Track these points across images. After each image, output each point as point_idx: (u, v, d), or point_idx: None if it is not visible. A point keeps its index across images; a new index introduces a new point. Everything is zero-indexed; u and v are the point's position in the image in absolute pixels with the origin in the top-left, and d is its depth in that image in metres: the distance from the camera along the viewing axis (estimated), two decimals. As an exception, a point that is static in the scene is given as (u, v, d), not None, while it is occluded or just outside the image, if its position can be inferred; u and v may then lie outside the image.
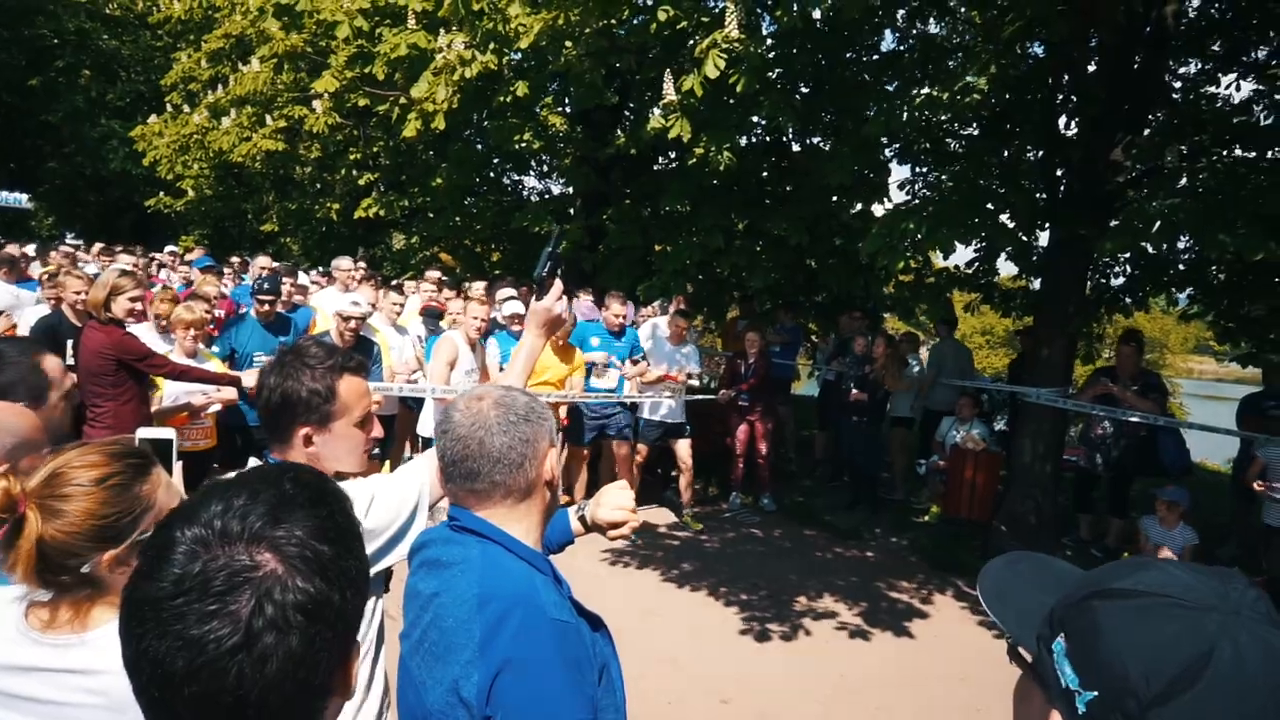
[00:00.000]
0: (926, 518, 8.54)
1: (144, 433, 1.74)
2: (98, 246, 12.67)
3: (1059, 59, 7.06)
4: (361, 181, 14.50)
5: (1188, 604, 0.71)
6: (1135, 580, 0.76)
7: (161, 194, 19.29)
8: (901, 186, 9.41)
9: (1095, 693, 0.72)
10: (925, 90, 6.40)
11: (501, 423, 1.47)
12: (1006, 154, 7.75)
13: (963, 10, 8.01)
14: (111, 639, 1.29)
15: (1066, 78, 7.19)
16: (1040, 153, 7.61)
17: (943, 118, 7.69)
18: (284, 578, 0.77)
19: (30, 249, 11.10)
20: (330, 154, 14.60)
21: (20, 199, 24.24)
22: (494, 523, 1.48)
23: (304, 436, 1.85)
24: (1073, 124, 7.42)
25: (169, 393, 5.22)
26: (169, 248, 13.72)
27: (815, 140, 9.81)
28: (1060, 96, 7.34)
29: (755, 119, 9.39)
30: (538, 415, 1.52)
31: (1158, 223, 5.42)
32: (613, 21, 7.76)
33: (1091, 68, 7.11)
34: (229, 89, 12.92)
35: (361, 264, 8.72)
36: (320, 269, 13.90)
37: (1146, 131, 7.07)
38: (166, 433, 1.75)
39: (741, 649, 5.27)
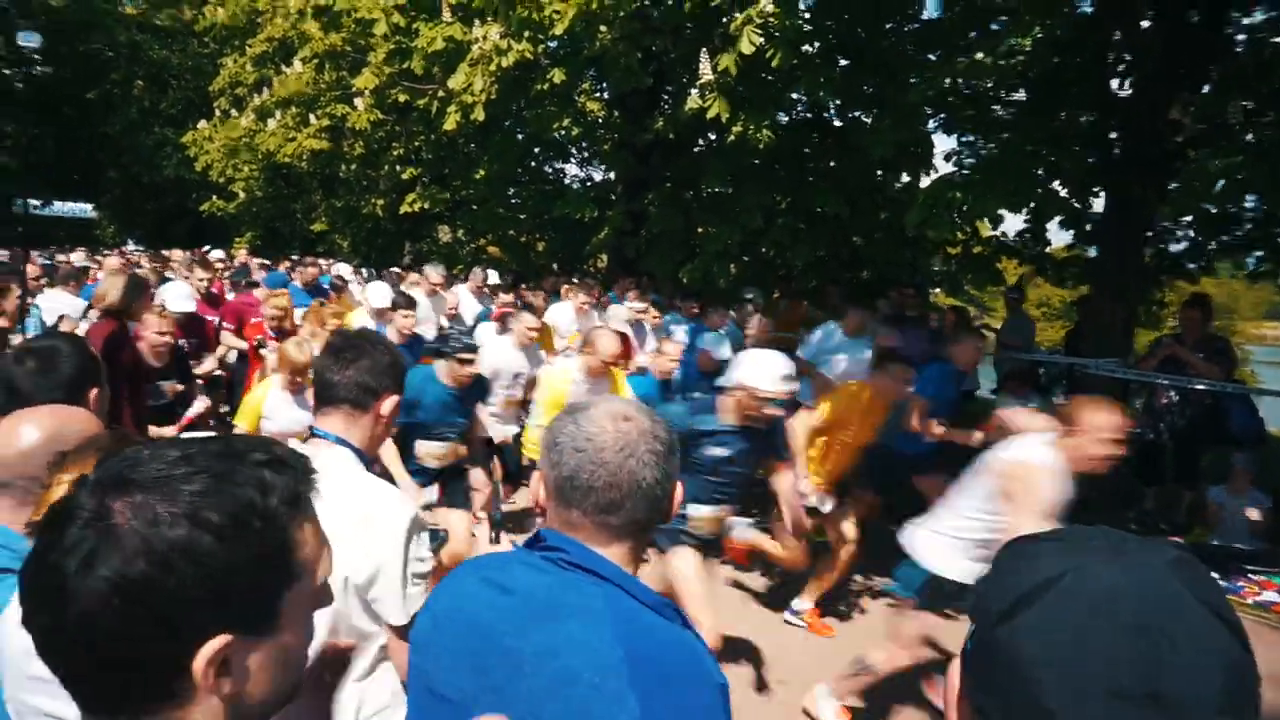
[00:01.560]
0: None
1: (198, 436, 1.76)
2: (129, 252, 13.11)
3: (1110, 16, 6.81)
4: (405, 176, 14.69)
5: (1063, 541, 0.76)
6: (1036, 536, 0.80)
7: (214, 198, 19.84)
8: (947, 158, 9.19)
9: (972, 626, 0.77)
10: (969, 57, 6.23)
11: (654, 453, 1.28)
12: (1056, 118, 7.50)
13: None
14: None
15: (1118, 35, 6.92)
16: (1092, 115, 7.35)
17: (988, 84, 7.48)
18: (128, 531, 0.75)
19: (75, 257, 11.49)
20: (373, 150, 14.82)
21: (84, 209, 25.20)
22: (616, 563, 1.27)
23: (393, 403, 1.95)
24: (1126, 84, 7.15)
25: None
26: (216, 251, 14.02)
27: (857, 114, 9.64)
28: (1111, 56, 7.07)
29: (794, 95, 9.27)
30: (677, 450, 1.35)
31: (1220, 181, 5.21)
32: (646, 3, 7.72)
33: (1145, 24, 6.84)
34: (273, 91, 13.20)
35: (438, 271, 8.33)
36: (369, 267, 14.15)
37: (1207, 88, 6.77)
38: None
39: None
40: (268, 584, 0.82)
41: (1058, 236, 8.53)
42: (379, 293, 6.44)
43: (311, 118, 13.07)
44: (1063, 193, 6.76)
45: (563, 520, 1.28)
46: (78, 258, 11.47)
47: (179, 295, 5.92)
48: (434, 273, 7.98)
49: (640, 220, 10.74)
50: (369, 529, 1.69)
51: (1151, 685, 0.64)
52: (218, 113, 16.89)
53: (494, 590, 1.25)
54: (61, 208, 23.84)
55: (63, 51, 22.69)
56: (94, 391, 2.10)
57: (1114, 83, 7.19)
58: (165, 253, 13.75)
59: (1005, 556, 0.79)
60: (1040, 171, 6.43)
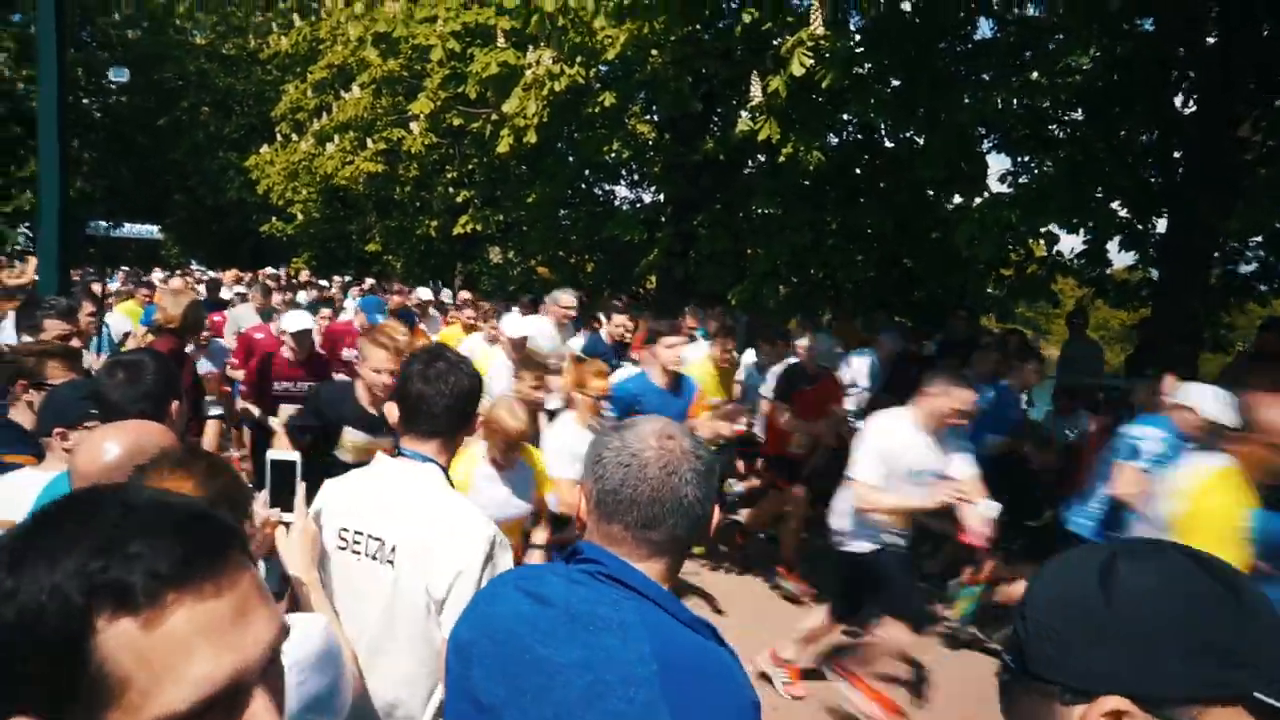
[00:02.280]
0: (1035, 522, 8.12)
1: (272, 454, 1.82)
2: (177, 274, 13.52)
3: (1172, 33, 6.67)
4: (458, 199, 14.98)
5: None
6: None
7: (274, 219, 20.46)
8: (1002, 179, 9.06)
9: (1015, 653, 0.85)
10: (1024, 75, 6.16)
11: (696, 472, 1.30)
12: (1115, 137, 7.35)
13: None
14: None
15: (1181, 51, 6.77)
16: (1153, 133, 7.19)
17: (1044, 103, 7.37)
18: None
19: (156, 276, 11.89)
20: (427, 173, 15.15)
21: (152, 231, 26.18)
22: (653, 579, 1.29)
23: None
24: (1190, 101, 6.98)
25: None
26: (267, 269, 14.38)
27: (908, 134, 9.57)
28: (1175, 73, 6.92)
29: (845, 116, 9.24)
30: (717, 470, 1.38)
31: (1291, 200, 5.05)
32: (696, 27, 7.79)
33: (1211, 40, 6.68)
34: (332, 116, 13.61)
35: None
36: (433, 285, 14.42)
37: (1278, 103, 6.58)
38: (292, 455, 1.81)
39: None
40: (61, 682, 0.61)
41: (1119, 258, 8.30)
42: (524, 326, 5.58)
43: (368, 141, 13.44)
44: (1122, 212, 6.59)
45: (603, 534, 1.30)
46: (156, 277, 11.91)
47: (297, 318, 5.54)
48: (566, 297, 6.57)
49: (690, 241, 10.78)
50: (452, 543, 1.72)
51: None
52: (279, 137, 17.46)
53: (531, 601, 1.27)
54: (130, 229, 24.79)
55: (137, 82, 23.71)
56: (175, 404, 2.18)
57: (1177, 99, 7.03)
58: (215, 274, 14.21)
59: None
60: (1099, 190, 6.29)
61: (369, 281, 13.88)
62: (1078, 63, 5.54)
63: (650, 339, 4.91)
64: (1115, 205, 6.53)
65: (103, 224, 23.16)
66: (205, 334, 6.08)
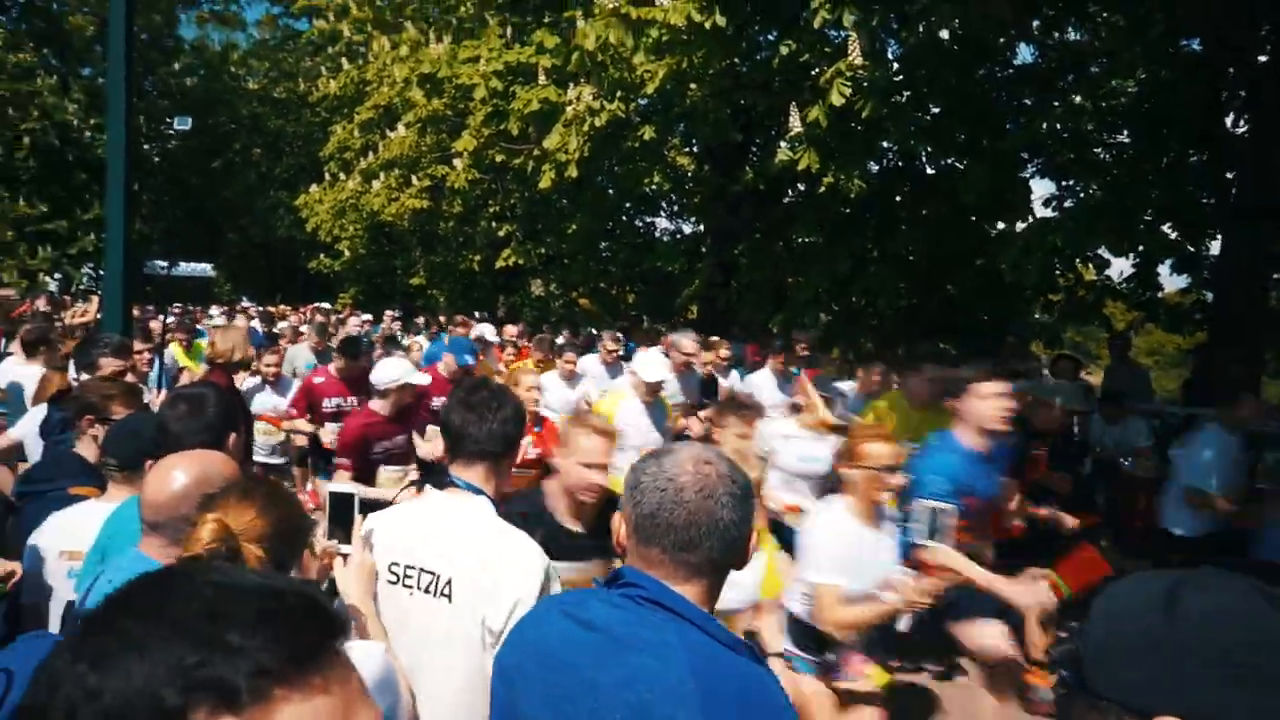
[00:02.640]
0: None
1: (331, 486, 1.86)
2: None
3: (1221, 53, 6.57)
4: (501, 233, 15.21)
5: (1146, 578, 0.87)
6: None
7: (321, 256, 20.96)
8: (1046, 203, 8.94)
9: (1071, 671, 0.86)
10: (1067, 100, 6.11)
11: (732, 495, 1.31)
12: (1163, 159, 7.23)
13: (1104, 15, 7.61)
14: None
15: (1232, 71, 6.66)
16: (1204, 154, 7.05)
17: (1088, 126, 7.28)
18: None
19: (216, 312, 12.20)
20: (471, 208, 15.42)
21: (205, 269, 27.02)
22: (692, 601, 1.30)
23: (514, 454, 2.01)
24: (1241, 120, 6.85)
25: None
26: (322, 305, 14.64)
27: (949, 160, 9.52)
28: (1225, 93, 6.80)
29: (884, 144, 9.23)
30: (754, 495, 1.39)
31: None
32: (735, 60, 7.88)
33: (1263, 58, 6.56)
34: (378, 154, 13.97)
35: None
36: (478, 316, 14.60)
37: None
38: (350, 488, 1.85)
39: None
40: None
41: (1171, 281, 8.10)
42: (654, 365, 4.82)
43: (413, 179, 13.74)
44: (1173, 235, 6.45)
45: (642, 557, 1.32)
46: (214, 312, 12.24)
47: (391, 369, 4.64)
48: (686, 342, 5.60)
49: (730, 271, 10.80)
50: (509, 574, 1.73)
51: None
52: (327, 176, 17.94)
53: (574, 625, 1.30)
54: (185, 268, 25.61)
55: (194, 126, 24.64)
56: (233, 437, 2.25)
57: (1228, 120, 6.90)
58: (272, 309, 14.57)
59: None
60: (1148, 213, 6.18)
61: (387, 314, 13.89)
62: (1122, 85, 5.47)
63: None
64: (1166, 228, 6.38)
65: (160, 264, 24.00)
66: (272, 368, 6.12)
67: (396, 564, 1.83)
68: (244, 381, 5.76)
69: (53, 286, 22.06)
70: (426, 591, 1.78)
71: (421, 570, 1.80)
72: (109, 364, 3.99)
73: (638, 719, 1.17)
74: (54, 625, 1.98)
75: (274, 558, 1.44)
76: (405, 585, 1.81)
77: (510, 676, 1.34)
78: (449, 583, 1.76)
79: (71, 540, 2.15)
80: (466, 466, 1.92)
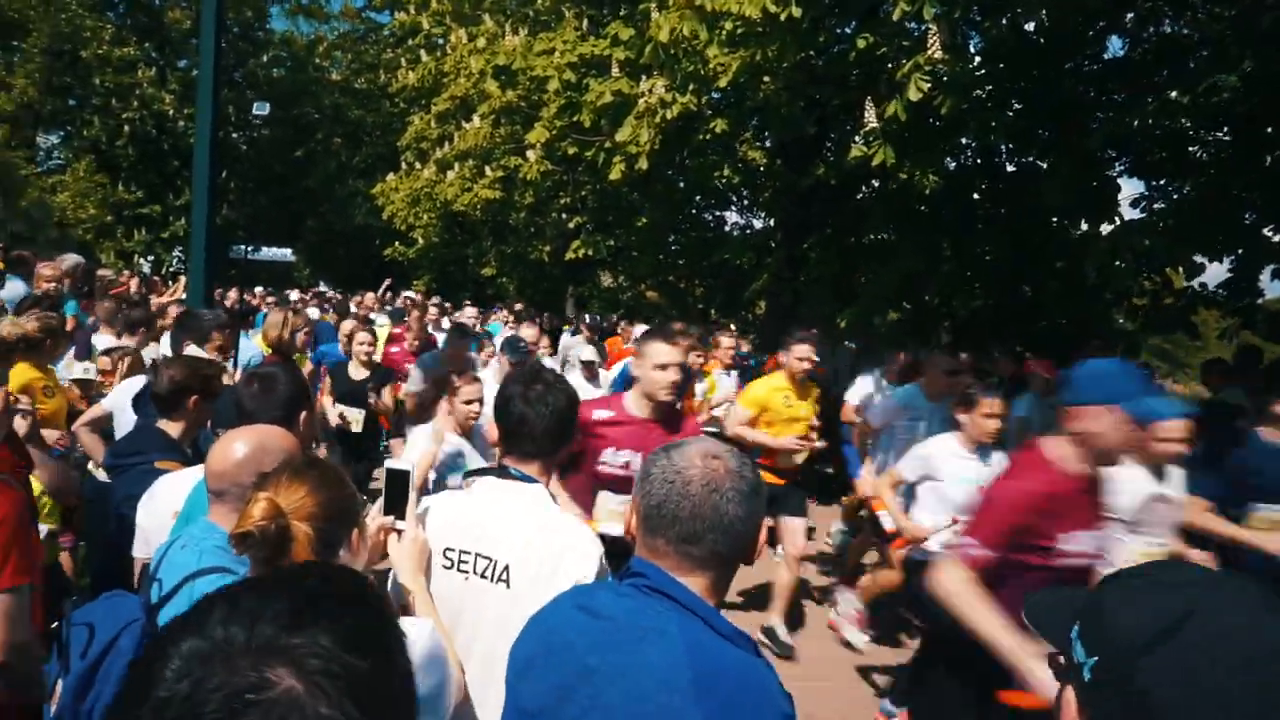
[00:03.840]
0: None
1: (389, 463, 1.90)
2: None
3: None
4: (571, 224, 15.33)
5: (1179, 582, 0.83)
6: (1141, 569, 0.89)
7: (396, 243, 21.49)
8: (1135, 204, 8.55)
9: (1096, 658, 0.83)
10: (1161, 95, 5.82)
11: (739, 491, 1.33)
12: (1267, 158, 6.83)
13: (1206, 6, 7.22)
14: None
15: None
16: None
17: (1184, 123, 6.94)
18: (303, 700, 0.58)
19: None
20: (542, 200, 15.58)
21: (286, 254, 27.99)
22: (695, 592, 1.33)
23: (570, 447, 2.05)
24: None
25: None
26: (408, 293, 14.87)
27: (1030, 158, 9.19)
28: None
29: (963, 140, 8.97)
30: (763, 492, 1.40)
31: None
32: (810, 53, 7.75)
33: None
34: (454, 145, 14.22)
35: None
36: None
37: None
38: (406, 464, 1.89)
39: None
40: None
41: (1272, 288, 7.64)
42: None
43: (486, 169, 13.94)
44: (1276, 238, 6.10)
45: (649, 548, 1.36)
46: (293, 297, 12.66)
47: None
48: (802, 348, 4.92)
49: (799, 267, 10.66)
50: (568, 560, 1.75)
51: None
52: (404, 165, 18.35)
53: (584, 615, 1.35)
54: (267, 253, 26.55)
55: (277, 115, 25.54)
56: (303, 414, 2.33)
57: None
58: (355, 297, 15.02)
59: (1107, 593, 0.87)
60: (1247, 216, 5.85)
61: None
62: (1225, 81, 5.17)
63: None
64: (1267, 231, 6.03)
65: (244, 248, 24.99)
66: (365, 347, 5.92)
67: (451, 549, 1.85)
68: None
69: (145, 268, 23.17)
70: (483, 577, 1.80)
71: (478, 555, 1.82)
72: (217, 336, 4.26)
73: (634, 704, 1.20)
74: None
75: (323, 537, 1.48)
76: (460, 570, 1.83)
77: (520, 666, 1.39)
78: (506, 568, 1.78)
79: (164, 508, 2.29)
80: (524, 462, 1.94)
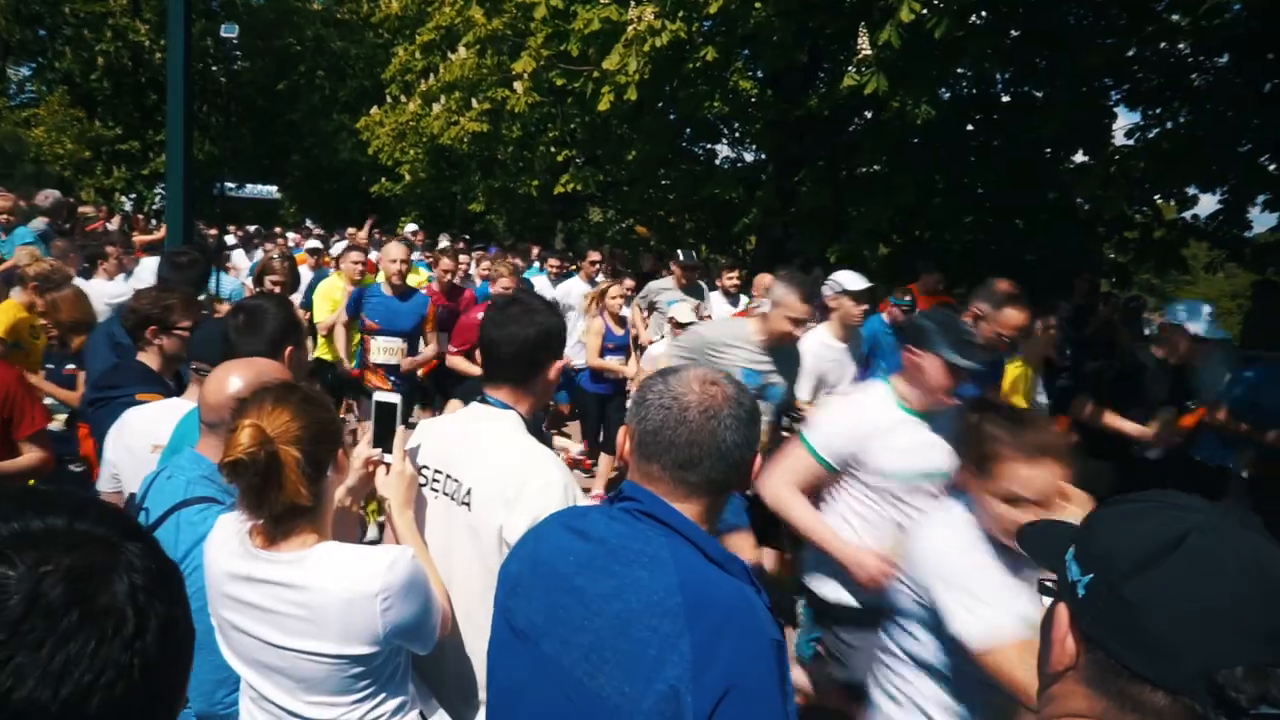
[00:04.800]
0: None
1: (377, 396, 1.90)
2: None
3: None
4: (560, 158, 15.08)
5: (1175, 506, 0.84)
6: (1137, 495, 0.90)
7: (383, 179, 21.14)
8: (1129, 134, 8.43)
9: (1091, 575, 0.85)
10: (1161, 19, 5.69)
11: (736, 418, 1.31)
12: (1266, 84, 6.71)
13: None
14: (318, 560, 1.47)
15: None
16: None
17: (1181, 47, 6.80)
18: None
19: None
20: (530, 133, 15.29)
21: (271, 191, 27.53)
22: (689, 518, 1.32)
23: (558, 368, 1.96)
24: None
25: None
26: (409, 226, 14.29)
27: (1025, 88, 9.02)
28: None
29: (959, 70, 8.79)
30: (759, 418, 1.39)
31: None
32: (803, -23, 7.54)
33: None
34: (439, 77, 13.87)
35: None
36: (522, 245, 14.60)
37: None
38: (394, 397, 1.88)
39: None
40: None
41: (1261, 220, 7.61)
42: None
43: (473, 101, 13.63)
44: (1271, 168, 6.04)
45: (643, 473, 1.34)
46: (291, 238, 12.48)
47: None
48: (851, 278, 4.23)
49: (790, 199, 10.55)
50: (529, 489, 1.75)
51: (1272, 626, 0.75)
52: (388, 99, 17.92)
53: (573, 537, 1.34)
54: (251, 189, 26.09)
55: (259, 46, 24.81)
56: (289, 349, 2.32)
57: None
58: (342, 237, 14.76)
59: (1104, 516, 0.90)
60: (1244, 144, 5.78)
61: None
62: (1227, 2, 5.04)
63: None
64: (1263, 160, 5.97)
65: (229, 185, 24.55)
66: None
67: (426, 468, 1.90)
68: None
69: (128, 206, 22.79)
70: (450, 497, 1.84)
71: (448, 476, 1.85)
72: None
73: (625, 628, 1.21)
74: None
75: (310, 460, 1.48)
76: (432, 489, 1.87)
77: (510, 585, 1.39)
78: (469, 491, 1.80)
79: (162, 435, 2.28)
80: (495, 387, 1.94)
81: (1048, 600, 0.97)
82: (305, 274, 7.17)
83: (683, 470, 1.30)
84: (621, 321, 5.92)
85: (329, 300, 5.70)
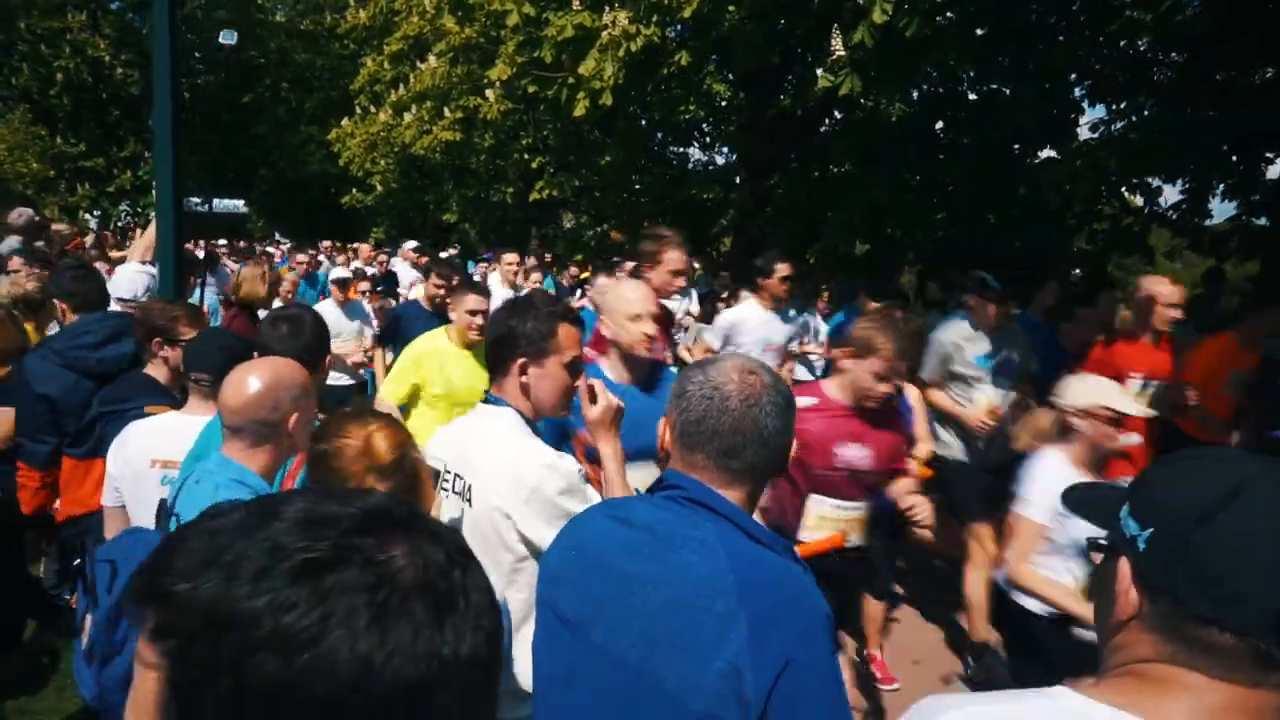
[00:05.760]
0: None
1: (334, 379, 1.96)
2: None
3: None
4: (534, 165, 15.09)
5: (1227, 458, 0.90)
6: (1186, 451, 0.94)
7: (354, 190, 21.00)
8: (1094, 128, 8.67)
9: (1151, 529, 0.89)
10: (1123, 16, 5.86)
11: (775, 405, 1.36)
12: (1223, 76, 6.94)
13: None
14: None
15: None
16: (1266, 71, 6.76)
17: (1141, 45, 7.01)
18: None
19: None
20: (502, 140, 15.28)
21: (238, 205, 27.20)
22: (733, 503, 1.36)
23: (520, 365, 1.97)
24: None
25: None
26: (409, 243, 14.03)
27: (993, 86, 9.23)
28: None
29: (928, 69, 8.96)
30: (794, 406, 1.44)
31: None
32: (775, -21, 7.65)
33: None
34: (410, 86, 13.84)
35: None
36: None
37: None
38: (348, 382, 1.95)
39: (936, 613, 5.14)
40: None
41: (1221, 210, 7.86)
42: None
43: (445, 110, 13.61)
44: (1232, 157, 6.25)
45: (686, 463, 1.38)
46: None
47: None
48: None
49: (765, 201, 10.68)
50: (523, 482, 1.82)
51: None
52: (358, 110, 17.83)
53: (617, 524, 1.37)
54: (219, 204, 25.77)
55: (222, 60, 24.53)
56: (327, 359, 2.38)
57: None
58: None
59: (1157, 473, 0.95)
60: (1204, 136, 5.98)
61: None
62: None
63: None
64: (1224, 148, 6.17)
65: (196, 200, 24.19)
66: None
67: (438, 466, 2.00)
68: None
69: (92, 224, 22.40)
70: (457, 494, 1.93)
71: (456, 475, 1.94)
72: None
73: (679, 610, 1.23)
74: (146, 524, 2.12)
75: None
76: (442, 488, 1.97)
77: (554, 575, 1.42)
78: (469, 487, 1.89)
79: (161, 449, 2.29)
80: (498, 385, 2.02)
81: (1098, 557, 1.01)
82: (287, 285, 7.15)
83: (727, 458, 1.35)
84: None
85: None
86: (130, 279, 4.54)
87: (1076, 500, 1.11)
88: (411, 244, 11.83)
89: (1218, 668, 0.84)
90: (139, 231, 8.71)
